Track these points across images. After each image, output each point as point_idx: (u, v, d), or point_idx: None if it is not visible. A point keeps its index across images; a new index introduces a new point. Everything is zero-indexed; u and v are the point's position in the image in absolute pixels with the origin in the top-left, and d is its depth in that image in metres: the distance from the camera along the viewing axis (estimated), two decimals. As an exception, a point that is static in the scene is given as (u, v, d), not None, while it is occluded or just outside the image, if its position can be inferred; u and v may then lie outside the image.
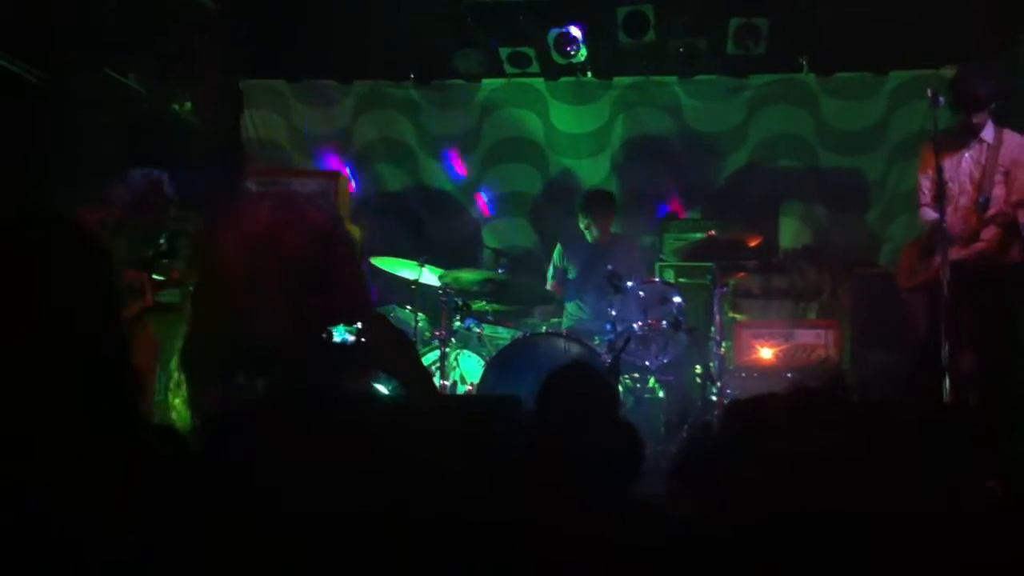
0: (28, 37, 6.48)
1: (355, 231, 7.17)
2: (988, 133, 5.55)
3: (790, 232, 7.83)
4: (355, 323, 2.31)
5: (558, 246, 7.16)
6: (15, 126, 6.30)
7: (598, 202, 6.93)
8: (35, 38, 6.53)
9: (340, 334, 2.35)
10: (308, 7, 7.80)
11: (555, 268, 7.10)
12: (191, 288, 2.17)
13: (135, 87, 7.45)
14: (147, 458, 1.01)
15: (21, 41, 6.49)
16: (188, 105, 7.72)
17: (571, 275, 6.99)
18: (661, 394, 6.19)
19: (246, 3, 7.71)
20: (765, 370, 6.35)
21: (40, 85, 6.75)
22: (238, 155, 8.24)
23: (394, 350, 2.40)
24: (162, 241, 6.07)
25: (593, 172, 8.15)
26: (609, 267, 6.21)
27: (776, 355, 6.43)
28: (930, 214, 5.55)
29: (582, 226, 6.88)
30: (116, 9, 6.91)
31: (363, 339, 2.34)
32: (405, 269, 6.53)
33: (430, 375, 2.60)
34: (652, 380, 6.21)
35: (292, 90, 8.33)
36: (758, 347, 6.45)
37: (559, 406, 3.51)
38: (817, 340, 6.44)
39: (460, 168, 8.28)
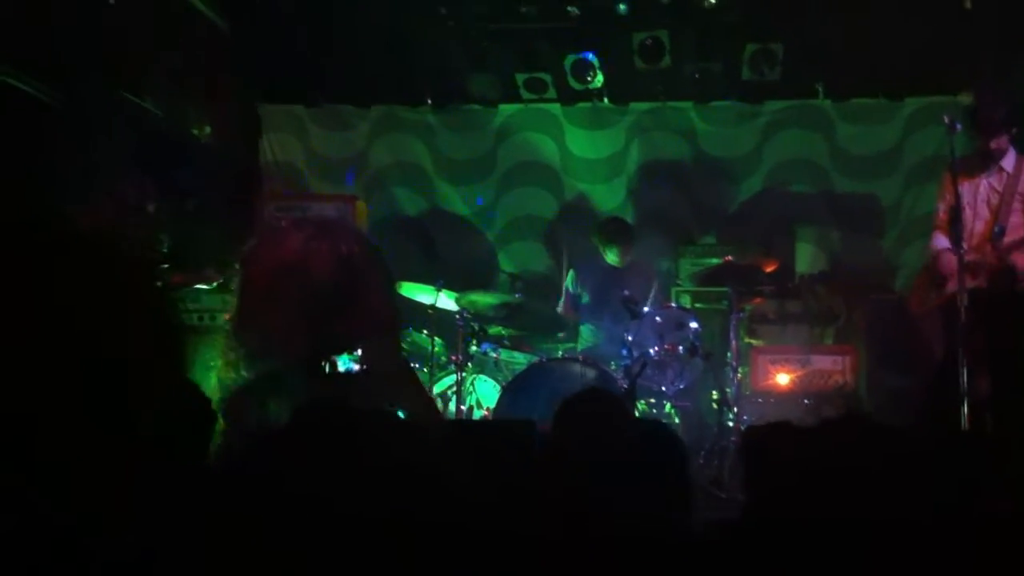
0: (45, 58, 6.55)
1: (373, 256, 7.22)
2: (1009, 161, 5.55)
3: (805, 257, 7.83)
4: (356, 351, 2.35)
5: (570, 271, 7.18)
6: (32, 147, 6.36)
7: (624, 231, 6.94)
8: (52, 59, 6.60)
9: (344, 363, 2.38)
10: (325, 32, 7.86)
11: (567, 293, 7.11)
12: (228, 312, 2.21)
13: (153, 110, 7.52)
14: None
15: (38, 62, 6.55)
16: (207, 129, 7.78)
17: (585, 300, 7.00)
18: (677, 420, 6.19)
19: (264, 28, 7.78)
20: (782, 396, 6.34)
21: (56, 106, 6.82)
22: (256, 178, 8.30)
23: (396, 379, 2.44)
24: (164, 249, 6.15)
25: (608, 197, 8.18)
26: (625, 292, 6.22)
27: (792, 381, 6.42)
28: (940, 241, 5.56)
29: (610, 257, 6.89)
30: (133, 31, 6.97)
31: (366, 367, 2.38)
32: (422, 293, 6.55)
33: (432, 404, 2.63)
34: (668, 405, 6.21)
35: (309, 115, 8.39)
36: (774, 372, 6.45)
37: (576, 430, 3.51)
38: (834, 366, 6.43)
39: None
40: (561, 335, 7.06)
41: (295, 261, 2.36)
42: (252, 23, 7.79)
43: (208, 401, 3.19)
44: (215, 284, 6.03)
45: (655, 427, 3.66)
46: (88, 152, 6.59)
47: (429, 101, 8.34)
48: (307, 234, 2.43)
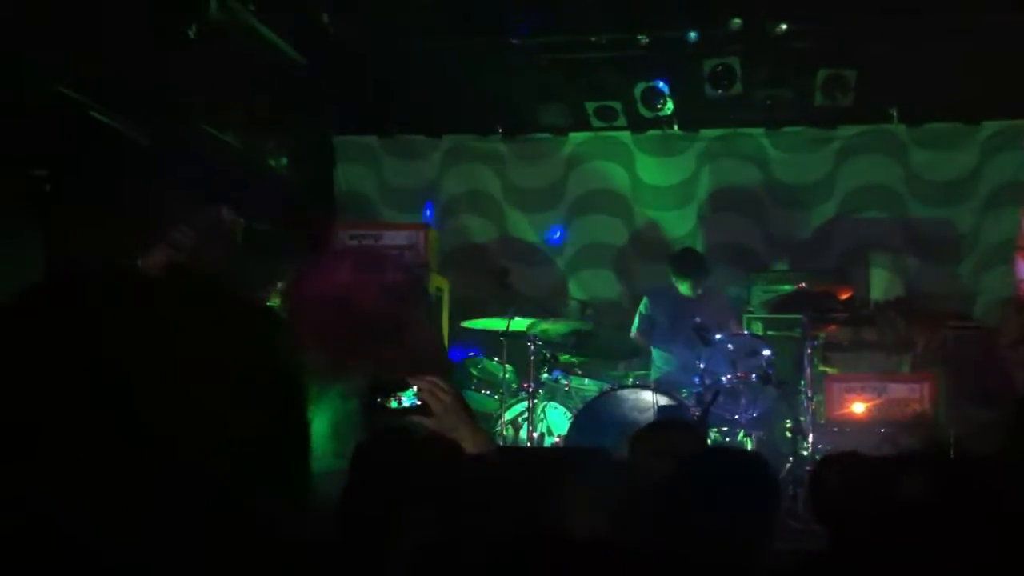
0: (128, 93, 6.76)
1: (443, 283, 7.29)
2: None
3: (880, 284, 7.71)
4: (413, 387, 2.41)
5: (644, 298, 7.17)
6: (116, 180, 6.55)
7: (691, 265, 6.89)
8: (135, 95, 6.81)
9: (409, 399, 2.44)
10: (398, 64, 8.01)
11: (641, 317, 7.09)
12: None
13: (232, 143, 7.71)
14: None
15: (122, 97, 6.77)
16: (283, 160, 7.96)
17: (658, 326, 6.98)
18: (750, 448, 6.12)
19: (338, 61, 7.94)
20: (857, 425, 6.24)
21: (140, 141, 7.04)
22: (330, 208, 8.45)
23: (453, 414, 2.48)
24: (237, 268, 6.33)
25: (679, 224, 8.16)
26: (697, 319, 6.20)
27: (868, 409, 6.31)
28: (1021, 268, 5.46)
29: (684, 289, 6.85)
30: (212, 67, 7.17)
31: (424, 403, 2.43)
32: (494, 322, 6.60)
33: (487, 437, 2.66)
34: (741, 434, 6.16)
35: (382, 145, 8.54)
36: (850, 401, 6.35)
37: (655, 458, 3.50)
38: (911, 394, 6.31)
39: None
40: (622, 365, 7.06)
41: (338, 292, 2.41)
42: (326, 56, 7.96)
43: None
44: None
45: (741, 456, 3.64)
46: (170, 185, 6.79)
47: (500, 130, 8.42)
48: (351, 265, 2.48)
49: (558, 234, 8.40)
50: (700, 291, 6.84)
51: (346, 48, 7.89)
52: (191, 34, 6.64)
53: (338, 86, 8.15)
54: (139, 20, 6.28)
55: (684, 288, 6.84)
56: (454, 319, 7.04)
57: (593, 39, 7.91)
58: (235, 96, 7.50)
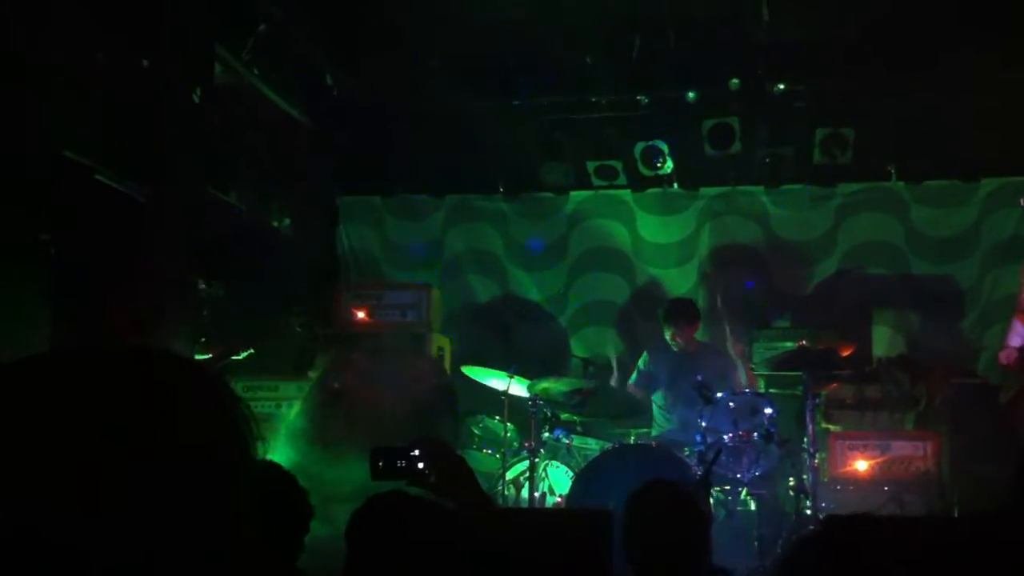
0: (133, 156, 6.85)
1: (445, 342, 7.31)
2: None
3: (883, 340, 7.70)
4: (415, 451, 2.43)
5: (644, 354, 7.17)
6: (124, 242, 6.61)
7: (681, 312, 6.94)
8: (140, 157, 6.90)
9: (409, 461, 2.46)
10: (401, 124, 8.11)
11: (639, 372, 7.08)
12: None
13: (236, 204, 7.78)
14: None
15: (127, 159, 6.86)
16: (287, 220, 8.03)
17: (658, 382, 6.97)
18: (753, 507, 6.06)
19: (343, 123, 8.05)
20: (861, 483, 6.19)
21: (147, 203, 7.11)
22: (334, 267, 8.50)
23: (454, 476, 2.49)
24: (202, 339, 6.44)
25: (681, 281, 8.18)
26: (699, 377, 6.18)
27: (872, 467, 6.27)
28: (1015, 336, 5.47)
29: (667, 336, 6.88)
30: (219, 129, 7.26)
31: (424, 465, 2.45)
32: (494, 379, 6.59)
33: (489, 500, 2.67)
34: (744, 493, 6.10)
35: (386, 204, 8.61)
36: (853, 459, 6.31)
37: (645, 524, 3.48)
38: (915, 452, 6.27)
39: None
40: (633, 419, 7.01)
41: (368, 392, 2.45)
42: (330, 117, 8.07)
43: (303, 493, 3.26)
44: (243, 355, 6.30)
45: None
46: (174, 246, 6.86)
47: (501, 189, 8.49)
48: (386, 369, 2.53)
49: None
50: (684, 340, 6.82)
51: (350, 109, 8.00)
52: (196, 97, 6.74)
53: (342, 146, 8.24)
54: (145, 83, 6.37)
55: (667, 336, 6.84)
56: (455, 373, 7.04)
57: (594, 99, 8.03)
58: (239, 157, 7.58)
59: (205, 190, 7.53)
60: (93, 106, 6.10)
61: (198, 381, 0.96)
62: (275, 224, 8.01)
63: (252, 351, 6.54)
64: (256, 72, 7.34)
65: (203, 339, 6.62)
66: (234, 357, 6.49)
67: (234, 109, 7.37)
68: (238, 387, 6.27)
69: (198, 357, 6.35)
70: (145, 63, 6.32)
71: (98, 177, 6.83)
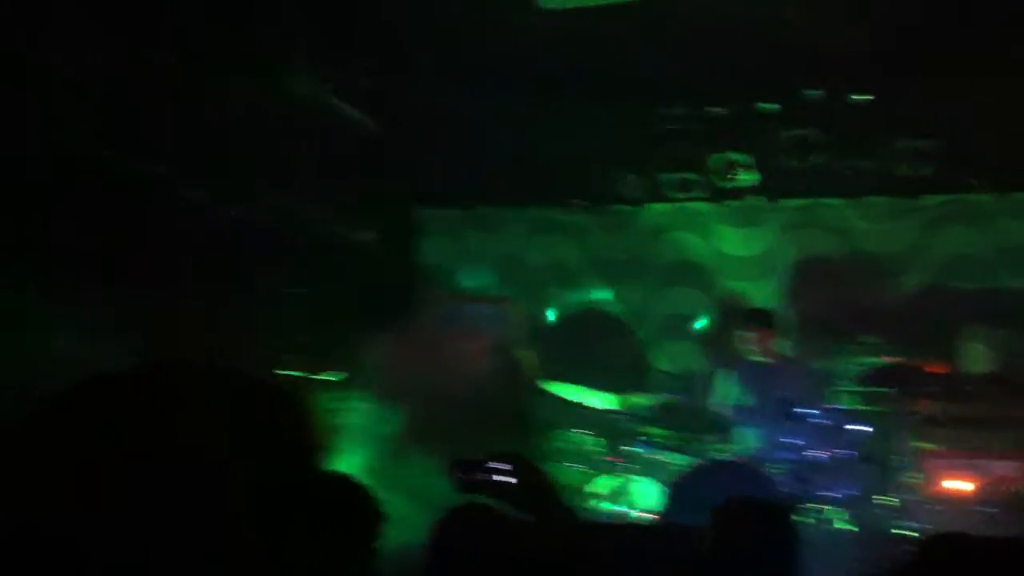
0: (216, 171, 6.95)
1: (528, 357, 7.31)
2: None
3: (975, 357, 7.52)
4: (496, 464, 2.42)
5: (724, 371, 7.09)
6: (202, 256, 6.71)
7: (753, 317, 6.89)
8: (221, 172, 7.00)
9: (490, 474, 2.45)
10: (480, 138, 8.12)
11: (720, 396, 7.02)
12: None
13: (316, 218, 7.86)
14: None
15: (210, 175, 6.97)
16: (368, 234, 8.09)
17: (743, 401, 6.89)
18: (844, 527, 5.96)
19: (423, 136, 8.09)
20: (955, 503, 6.05)
21: (229, 217, 7.21)
22: (414, 280, 8.55)
23: (535, 491, 2.47)
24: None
25: (761, 295, 8.09)
26: (784, 395, 6.10)
27: (967, 487, 6.12)
28: None
29: (738, 341, 6.81)
30: (302, 144, 7.35)
31: (504, 478, 2.43)
32: (578, 393, 6.58)
33: (572, 514, 2.65)
34: (834, 512, 6.00)
35: (465, 217, 8.63)
36: (948, 478, 6.17)
37: (733, 543, 3.43)
38: (1011, 472, 6.11)
39: None
40: (719, 435, 6.94)
41: (445, 361, 2.46)
42: (410, 131, 8.11)
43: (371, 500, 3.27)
44: (329, 375, 6.39)
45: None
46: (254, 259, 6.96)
47: (580, 202, 8.47)
48: (463, 338, 2.53)
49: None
50: (786, 354, 6.75)
51: (430, 122, 8.04)
52: (275, 113, 6.82)
53: (421, 160, 8.28)
54: (220, 95, 6.46)
55: (738, 341, 6.78)
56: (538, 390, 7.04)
57: (671, 112, 7.97)
58: (319, 172, 7.66)
59: (284, 204, 7.62)
60: (169, 119, 6.20)
61: (212, 387, 0.99)
62: (355, 238, 8.07)
63: (338, 373, 6.61)
64: (330, 88, 7.41)
65: (288, 355, 6.68)
66: (320, 376, 6.57)
67: (312, 123, 7.44)
68: (325, 399, 6.34)
69: (284, 373, 6.41)
70: (219, 75, 6.41)
71: (181, 192, 6.95)
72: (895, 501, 5.85)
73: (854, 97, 7.67)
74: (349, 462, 6.16)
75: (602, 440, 6.63)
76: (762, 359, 6.81)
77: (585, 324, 8.39)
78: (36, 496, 0.88)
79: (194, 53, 6.21)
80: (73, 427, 0.92)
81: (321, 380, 6.94)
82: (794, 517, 5.28)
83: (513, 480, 2.43)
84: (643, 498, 6.40)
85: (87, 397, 0.94)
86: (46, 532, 0.86)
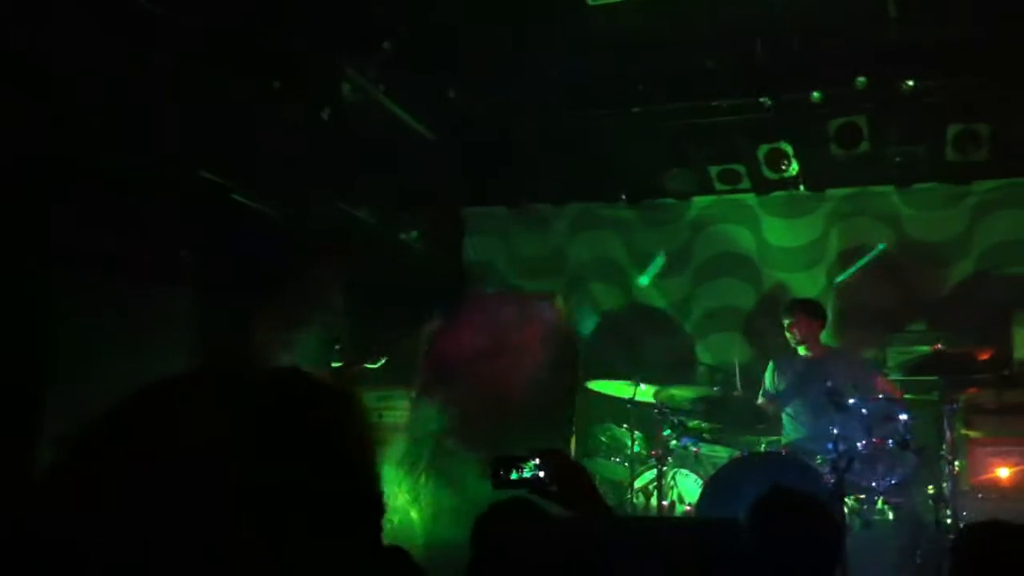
0: (268, 176, 7.11)
1: (573, 352, 7.35)
2: None
3: (1024, 343, 7.41)
4: (535, 459, 2.47)
5: (770, 363, 7.06)
6: (255, 258, 6.87)
7: (799, 305, 6.86)
8: (275, 176, 7.16)
9: (530, 470, 2.50)
10: (524, 135, 8.18)
11: (765, 389, 6.99)
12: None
13: (366, 218, 8.00)
14: None
15: (262, 179, 7.12)
16: (414, 233, 8.20)
17: (785, 394, 6.85)
18: (890, 517, 5.90)
19: (466, 136, 8.17)
20: (1004, 491, 5.97)
21: (279, 219, 7.38)
22: (460, 278, 8.64)
23: (575, 486, 2.52)
24: (337, 347, 6.62)
25: (809, 285, 8.03)
26: (829, 383, 6.06)
27: (1015, 475, 6.04)
28: None
29: (785, 329, 6.78)
30: (347, 146, 7.47)
31: (545, 475, 2.49)
32: (620, 388, 6.60)
33: (610, 511, 2.69)
34: (880, 502, 5.94)
35: (510, 215, 8.70)
36: (995, 466, 6.09)
37: (774, 533, 3.43)
38: (1062, 460, 6.01)
39: None
40: (762, 427, 6.91)
41: (491, 357, 2.51)
42: (455, 131, 8.20)
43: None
44: (379, 363, 6.49)
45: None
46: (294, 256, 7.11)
47: (624, 197, 8.49)
48: (510, 333, 2.58)
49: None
50: (830, 344, 6.70)
51: (474, 121, 8.12)
52: (325, 116, 6.95)
53: (467, 158, 8.37)
54: (275, 104, 6.61)
55: (785, 328, 6.74)
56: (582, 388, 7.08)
57: (716, 104, 7.93)
58: (368, 172, 7.79)
59: (336, 206, 7.77)
60: (228, 126, 6.36)
61: (230, 389, 1.01)
62: (403, 237, 8.19)
63: (384, 360, 6.73)
64: (382, 89, 7.52)
65: (338, 347, 6.84)
66: (368, 365, 6.69)
67: (361, 125, 7.56)
68: (371, 397, 6.46)
69: (333, 364, 6.56)
70: (276, 84, 6.54)
71: (235, 196, 7.12)
72: (941, 490, 5.78)
73: (902, 83, 7.55)
74: (394, 459, 6.27)
75: (645, 434, 6.65)
76: (809, 350, 6.78)
77: (630, 318, 8.40)
78: (97, 511, 0.90)
79: (250, 58, 6.35)
80: (127, 441, 0.94)
81: (370, 378, 7.06)
82: (837, 507, 5.28)
83: (552, 476, 2.49)
84: (685, 492, 6.41)
85: (139, 409, 0.97)
86: (108, 544, 0.88)
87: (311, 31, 6.71)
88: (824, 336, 6.99)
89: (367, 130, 7.57)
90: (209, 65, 6.05)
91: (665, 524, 5.65)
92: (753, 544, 3.47)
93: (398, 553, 1.11)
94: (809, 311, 6.82)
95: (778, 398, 6.87)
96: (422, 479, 6.27)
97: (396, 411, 6.67)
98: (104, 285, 5.81)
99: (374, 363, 6.86)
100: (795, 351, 6.84)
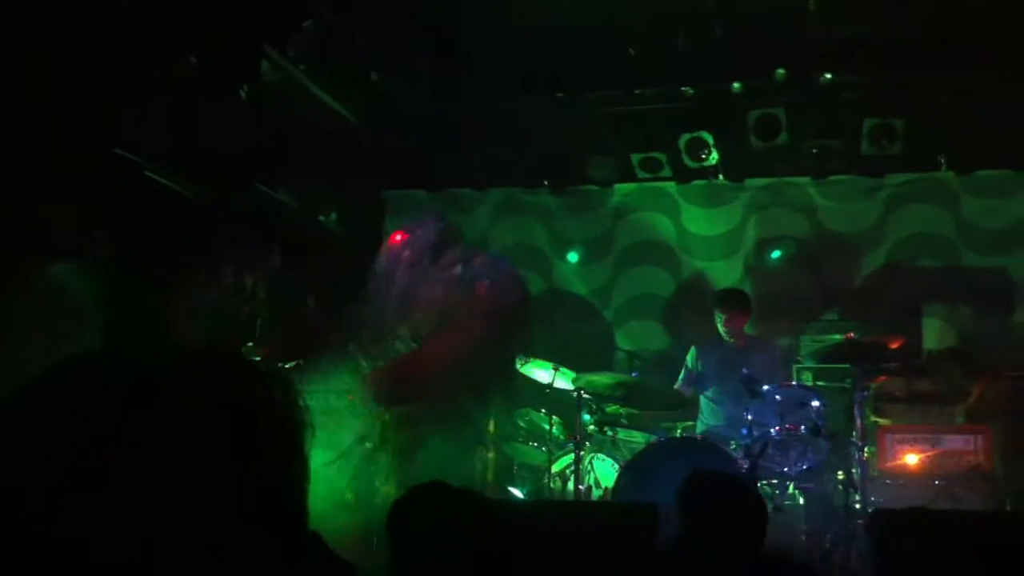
0: (185, 154, 6.95)
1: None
2: None
3: (933, 333, 7.60)
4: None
5: (692, 349, 7.13)
6: (174, 238, 6.73)
7: (735, 299, 6.94)
8: (191, 155, 7.00)
9: None
10: (446, 119, 8.13)
11: (687, 371, 7.05)
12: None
13: (286, 201, 7.87)
14: None
15: (178, 158, 6.96)
16: (333, 216, 8.09)
17: (705, 378, 6.94)
18: (801, 502, 6.01)
19: (388, 119, 8.09)
20: (911, 477, 6.11)
21: (197, 200, 7.22)
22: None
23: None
24: (250, 344, 6.51)
25: (726, 274, 8.14)
26: (745, 371, 6.15)
27: (922, 461, 6.18)
28: None
29: (719, 324, 6.85)
30: (267, 127, 7.34)
31: None
32: (539, 370, 6.61)
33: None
34: (791, 487, 6.06)
35: (431, 199, 8.64)
36: (903, 453, 6.23)
37: (703, 513, 3.46)
38: (966, 446, 6.17)
39: None
40: (679, 412, 6.98)
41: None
42: (377, 114, 8.11)
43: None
44: (294, 362, 6.37)
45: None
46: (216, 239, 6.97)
47: (547, 183, 8.49)
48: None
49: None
50: (734, 328, 6.79)
51: (396, 104, 8.04)
52: (243, 94, 6.82)
53: (388, 141, 8.29)
54: (193, 81, 6.45)
55: (719, 324, 6.82)
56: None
57: (638, 92, 7.97)
58: (287, 154, 7.66)
59: (253, 187, 7.63)
60: (141, 103, 6.20)
61: (213, 380, 0.97)
62: (321, 219, 8.08)
63: (303, 359, 6.60)
64: (303, 69, 7.40)
65: (250, 344, 6.67)
66: (285, 361, 6.55)
67: (281, 106, 7.43)
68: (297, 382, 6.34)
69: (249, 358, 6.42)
70: (193, 60, 6.39)
71: (148, 174, 6.94)
72: (851, 476, 5.90)
73: (821, 76, 7.68)
74: (320, 445, 6.16)
75: (563, 419, 6.66)
76: (726, 337, 6.86)
77: (550, 304, 8.41)
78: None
79: (166, 35, 6.19)
80: (36, 411, 0.91)
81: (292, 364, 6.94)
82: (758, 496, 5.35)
83: None
84: (602, 476, 6.44)
85: (50, 382, 0.94)
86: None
87: (230, 8, 6.58)
88: (743, 324, 7.08)
89: (287, 111, 7.45)
90: (124, 37, 5.88)
91: (584, 508, 5.69)
92: (682, 525, 3.50)
93: (315, 539, 1.07)
94: (746, 304, 6.92)
95: (698, 383, 6.94)
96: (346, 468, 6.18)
97: (318, 396, 6.54)
98: (9, 263, 5.62)
99: (291, 360, 6.72)
100: (716, 338, 6.91)
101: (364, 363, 6.59)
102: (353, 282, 7.88)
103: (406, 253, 6.44)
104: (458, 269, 6.24)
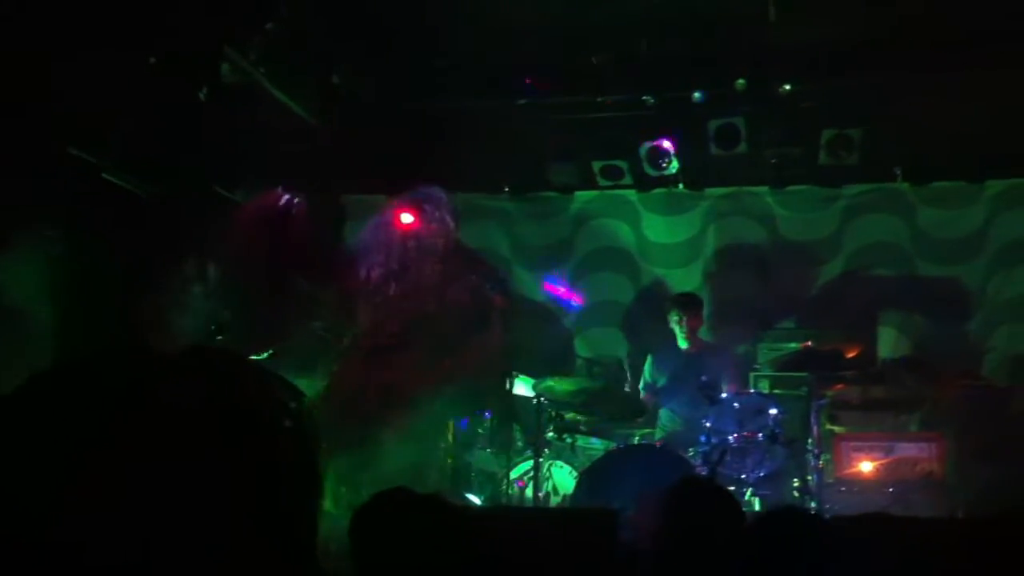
0: (141, 155, 6.87)
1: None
2: None
3: (889, 342, 7.69)
4: None
5: (648, 358, 7.16)
6: (128, 239, 6.64)
7: (688, 301, 6.98)
8: (147, 156, 6.92)
9: None
10: (406, 124, 8.09)
11: (646, 382, 7.09)
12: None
13: (243, 201, 7.80)
14: None
15: (134, 158, 6.88)
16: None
17: (661, 385, 6.96)
18: (758, 508, 6.05)
19: (347, 122, 8.04)
20: (866, 484, 6.18)
21: (150, 200, 7.14)
22: (338, 264, 8.49)
23: None
24: (219, 337, 6.47)
25: (685, 281, 8.17)
26: (703, 378, 6.18)
27: (877, 468, 6.26)
28: None
29: (673, 323, 6.89)
30: (226, 129, 7.27)
31: None
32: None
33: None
34: (749, 494, 6.09)
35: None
36: (858, 460, 6.29)
37: (690, 522, 3.45)
38: (920, 453, 6.25)
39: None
40: (641, 420, 7.00)
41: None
42: (337, 117, 8.06)
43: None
44: (264, 355, 6.33)
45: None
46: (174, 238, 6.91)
47: (507, 189, 8.49)
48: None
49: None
50: (706, 340, 6.84)
51: (355, 107, 7.99)
52: (202, 96, 6.74)
53: (347, 145, 8.23)
54: (151, 82, 6.38)
55: (674, 323, 6.85)
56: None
57: (600, 99, 7.99)
58: (245, 156, 7.60)
59: (211, 188, 7.56)
60: (98, 104, 6.12)
61: (206, 380, 0.95)
62: (280, 222, 8.01)
63: (271, 352, 6.56)
64: (263, 71, 7.34)
65: (219, 337, 6.62)
66: (259, 353, 6.51)
67: (240, 107, 7.37)
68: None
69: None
70: (151, 61, 6.32)
71: (104, 175, 6.86)
72: (807, 483, 5.95)
73: (780, 87, 7.74)
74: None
75: (522, 426, 6.66)
76: (685, 344, 6.89)
77: (509, 310, 8.39)
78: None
79: (124, 35, 6.12)
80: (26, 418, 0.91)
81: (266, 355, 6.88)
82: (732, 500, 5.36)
83: None
84: (560, 483, 6.44)
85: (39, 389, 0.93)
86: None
87: (191, 7, 6.51)
88: (701, 331, 7.12)
89: (246, 112, 7.38)
90: (82, 37, 5.80)
91: (545, 513, 5.69)
92: (667, 530, 3.49)
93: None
94: (699, 307, 6.96)
95: (659, 392, 6.97)
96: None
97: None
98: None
99: (259, 354, 6.66)
100: (674, 345, 6.94)
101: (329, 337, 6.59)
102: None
103: (420, 229, 6.52)
104: (479, 278, 6.36)
